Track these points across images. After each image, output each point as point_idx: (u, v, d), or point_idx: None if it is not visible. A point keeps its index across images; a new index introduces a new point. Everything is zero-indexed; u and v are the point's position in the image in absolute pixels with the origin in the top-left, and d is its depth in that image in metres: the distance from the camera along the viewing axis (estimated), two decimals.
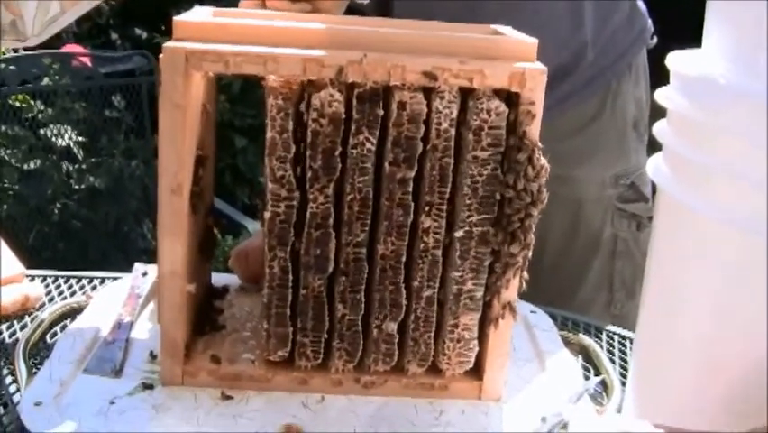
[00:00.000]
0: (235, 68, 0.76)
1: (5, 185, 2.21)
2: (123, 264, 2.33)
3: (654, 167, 0.63)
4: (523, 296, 0.84)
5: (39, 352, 0.92)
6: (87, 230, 2.26)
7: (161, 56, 0.76)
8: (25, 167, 2.21)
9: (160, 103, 0.78)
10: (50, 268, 1.17)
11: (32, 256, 1.97)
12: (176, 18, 0.78)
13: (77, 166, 2.28)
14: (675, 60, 0.62)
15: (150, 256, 2.43)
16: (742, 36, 0.59)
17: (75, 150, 2.27)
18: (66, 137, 2.29)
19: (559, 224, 1.33)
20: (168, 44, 0.76)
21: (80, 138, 2.29)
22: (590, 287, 1.36)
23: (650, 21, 1.36)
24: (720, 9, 0.62)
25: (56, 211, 2.21)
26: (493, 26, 0.88)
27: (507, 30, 0.87)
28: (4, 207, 2.20)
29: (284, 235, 0.80)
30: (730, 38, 0.60)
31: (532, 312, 1.05)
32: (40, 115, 2.31)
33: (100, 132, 2.37)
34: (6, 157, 2.22)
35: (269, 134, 0.77)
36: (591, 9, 1.28)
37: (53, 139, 2.28)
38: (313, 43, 0.77)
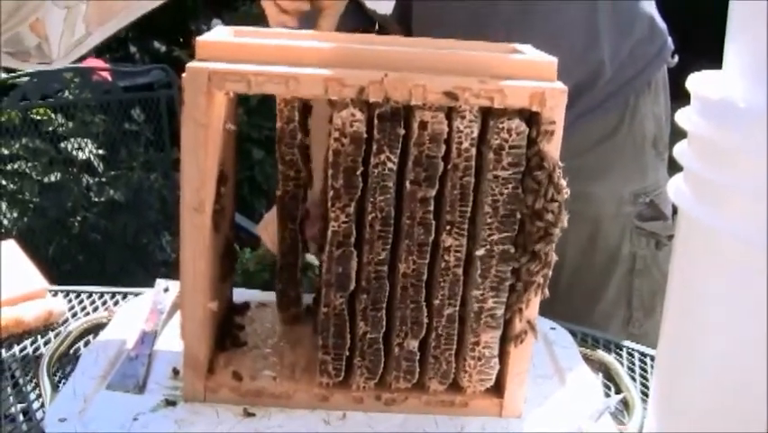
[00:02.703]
0: (257, 87, 0.76)
1: (26, 197, 2.23)
2: (142, 276, 2.36)
3: (675, 188, 0.63)
4: (541, 312, 0.85)
5: (62, 367, 0.93)
6: (107, 242, 2.28)
7: (184, 75, 0.77)
8: (45, 180, 2.23)
9: (183, 121, 0.78)
10: (69, 280, 1.18)
11: (52, 268, 1.98)
12: (199, 38, 0.79)
13: (96, 179, 2.29)
14: (695, 82, 0.62)
15: (169, 268, 2.43)
16: (762, 56, 0.59)
17: (95, 163, 2.29)
18: (86, 150, 2.31)
19: (577, 240, 1.33)
20: (190, 64, 0.77)
21: (100, 151, 2.31)
22: (608, 304, 1.36)
23: (670, 39, 1.36)
24: (740, 28, 0.62)
25: (76, 224, 2.22)
26: (512, 45, 0.89)
27: (527, 48, 0.87)
28: (25, 219, 2.21)
29: (293, 210, 0.90)
30: (750, 58, 0.60)
31: (552, 329, 1.05)
32: (60, 129, 2.33)
33: (119, 145, 2.39)
34: (27, 170, 2.24)
35: (278, 125, 0.86)
36: (609, 25, 1.27)
37: (73, 152, 2.30)
38: (334, 63, 0.77)
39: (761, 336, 0.58)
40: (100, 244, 2.28)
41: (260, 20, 3.47)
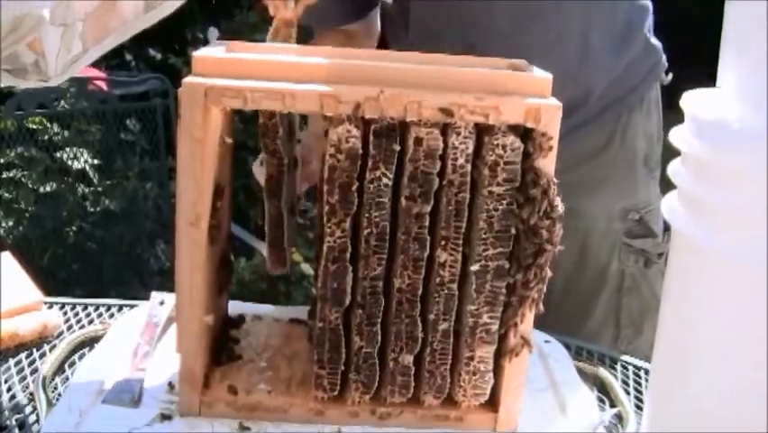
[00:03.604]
0: (253, 103, 0.77)
1: (21, 206, 2.23)
2: (137, 285, 2.36)
3: (669, 207, 0.63)
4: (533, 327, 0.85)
5: (58, 381, 0.93)
6: (102, 251, 2.28)
7: (180, 89, 0.77)
8: (41, 189, 2.23)
9: (179, 136, 0.79)
10: (64, 288, 1.18)
11: (47, 277, 1.98)
12: (195, 54, 0.80)
13: (92, 189, 2.30)
14: (690, 102, 0.62)
15: (164, 277, 2.43)
16: (756, 77, 0.59)
17: (90, 173, 2.29)
18: (81, 160, 2.31)
19: (567, 256, 1.33)
20: (187, 79, 0.77)
21: (95, 161, 2.31)
22: (597, 321, 1.36)
23: (664, 56, 1.36)
24: (733, 49, 0.63)
25: (71, 233, 2.22)
26: (508, 60, 0.89)
27: (522, 63, 0.88)
28: (20, 228, 2.21)
29: (277, 190, 0.94)
30: (744, 78, 0.61)
31: (546, 342, 1.05)
32: (56, 138, 2.33)
33: (115, 154, 2.39)
34: (23, 179, 2.24)
35: (260, 121, 0.89)
36: (603, 42, 1.28)
37: (69, 162, 2.30)
38: (330, 79, 0.78)
39: (754, 354, 0.58)
40: (95, 252, 2.28)
41: (256, 28, 3.48)
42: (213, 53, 0.81)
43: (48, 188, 2.23)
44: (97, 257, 2.27)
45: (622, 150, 1.35)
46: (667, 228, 1.38)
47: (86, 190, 2.29)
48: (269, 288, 2.35)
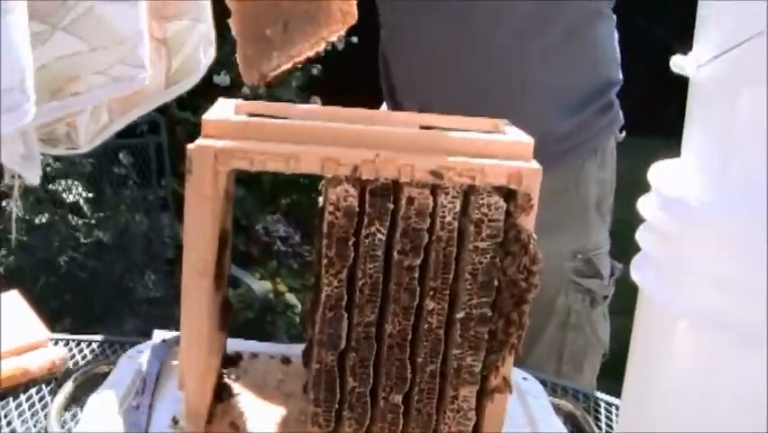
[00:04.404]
0: (259, 165, 0.84)
1: (14, 236, 2.28)
2: (127, 314, 2.42)
3: (635, 266, 0.71)
4: None
5: (68, 416, 0.99)
6: (93, 281, 2.34)
7: (191, 150, 0.84)
8: (36, 220, 2.29)
9: (188, 193, 0.85)
10: (56, 317, 1.24)
11: (39, 306, 2.03)
12: (204, 117, 0.86)
13: (84, 220, 2.36)
14: (655, 175, 0.70)
15: (152, 305, 2.47)
16: (716, 152, 0.67)
17: (83, 205, 2.35)
18: (74, 192, 2.37)
19: None
20: (198, 142, 0.84)
21: (88, 194, 2.37)
22: (541, 355, 1.44)
23: (621, 114, 1.46)
24: (696, 122, 0.70)
25: (62, 263, 2.28)
26: (494, 120, 0.97)
27: (506, 125, 0.95)
28: (12, 257, 2.27)
29: None
30: (705, 152, 0.69)
31: (524, 379, 1.12)
32: (48, 169, 2.39)
33: (107, 186, 2.45)
34: (15, 209, 2.29)
35: None
36: (567, 99, 1.38)
37: (62, 193, 2.36)
38: (330, 141, 0.85)
39: (713, 409, 0.65)
40: (86, 282, 2.34)
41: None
42: (221, 116, 0.88)
43: (42, 220, 2.29)
44: (88, 287, 2.33)
45: (577, 195, 1.45)
46: (613, 273, 1.47)
47: (79, 222, 2.35)
48: (256, 316, 2.41)
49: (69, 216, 2.33)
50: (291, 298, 2.55)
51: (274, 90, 3.41)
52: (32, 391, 1.05)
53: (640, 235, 0.71)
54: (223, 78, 3.38)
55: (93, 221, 2.34)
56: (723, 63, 0.64)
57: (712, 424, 0.64)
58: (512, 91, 1.40)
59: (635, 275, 0.70)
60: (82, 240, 2.30)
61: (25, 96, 0.72)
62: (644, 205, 0.70)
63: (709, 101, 0.68)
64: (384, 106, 1.62)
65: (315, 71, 3.86)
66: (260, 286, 2.51)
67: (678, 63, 0.69)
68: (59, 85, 0.80)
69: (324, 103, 3.80)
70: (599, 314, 1.46)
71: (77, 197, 2.34)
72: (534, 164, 0.85)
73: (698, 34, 0.69)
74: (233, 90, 3.37)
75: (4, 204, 2.35)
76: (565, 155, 1.43)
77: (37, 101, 0.76)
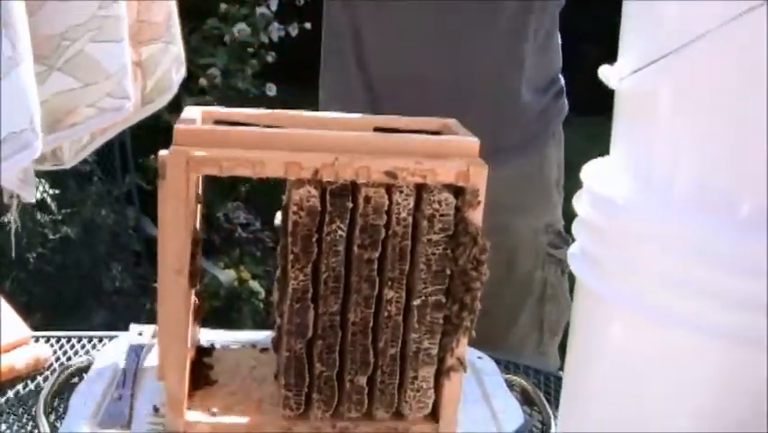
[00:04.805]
0: (228, 170, 0.91)
1: None
2: (95, 305, 2.47)
3: (571, 256, 0.79)
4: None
5: (54, 409, 1.06)
6: (61, 275, 2.39)
7: (164, 157, 0.91)
8: (3, 219, 2.32)
9: (162, 198, 0.92)
10: (26, 311, 1.29)
11: (11, 301, 2.09)
12: (176, 126, 0.93)
13: (51, 217, 2.41)
14: (587, 173, 0.78)
15: (119, 295, 2.52)
16: (642, 152, 0.75)
17: (49, 202, 2.40)
18: (40, 189, 2.41)
19: (494, 270, 1.50)
20: (171, 150, 0.91)
21: (54, 190, 2.42)
22: (523, 328, 1.54)
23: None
24: (623, 122, 0.79)
25: (31, 260, 2.33)
26: (444, 120, 1.04)
27: (453, 122, 1.03)
28: None
29: None
30: (630, 157, 0.77)
31: (479, 358, 1.21)
32: None
33: (71, 182, 2.50)
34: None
35: None
36: (529, 92, 1.47)
37: None
38: (292, 147, 0.92)
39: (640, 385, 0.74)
40: (55, 276, 2.39)
41: (198, 52, 3.55)
42: (190, 125, 0.95)
43: (7, 218, 2.32)
44: (57, 280, 2.38)
45: (542, 176, 1.55)
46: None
47: (46, 219, 2.40)
48: (222, 305, 2.48)
49: (36, 214, 2.38)
50: (255, 285, 2.62)
51: (230, 80, 3.46)
52: (19, 386, 1.11)
53: (575, 228, 0.79)
54: None
55: (59, 217, 2.39)
56: (643, 75, 0.73)
57: (644, 407, 0.73)
58: (507, 77, 1.49)
59: (570, 262, 0.78)
60: (50, 236, 2.36)
61: (35, 135, 0.80)
62: (577, 200, 0.78)
63: (632, 108, 0.76)
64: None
65: (269, 58, 3.90)
66: (225, 276, 2.58)
67: (604, 74, 0.77)
68: (57, 118, 0.87)
69: (279, 89, 3.85)
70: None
71: (43, 194, 2.38)
72: (480, 162, 0.93)
73: (621, 47, 0.77)
74: (190, 80, 3.42)
75: None
76: (535, 139, 1.53)
77: None
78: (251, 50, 3.69)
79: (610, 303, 0.74)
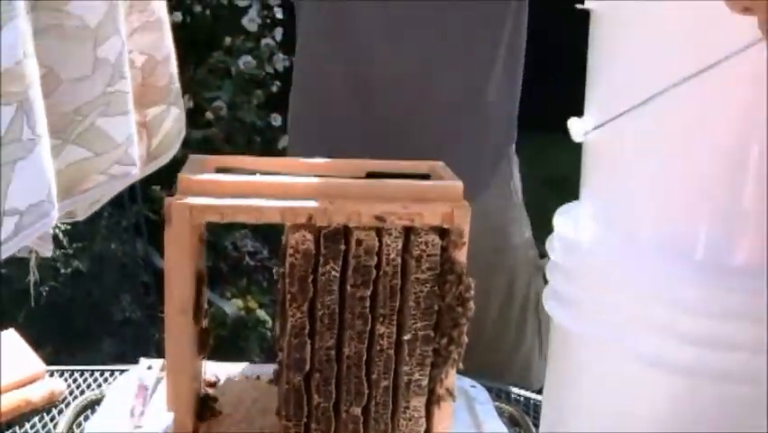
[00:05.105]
0: (229, 217, 0.97)
1: None
2: (104, 336, 2.54)
3: (545, 296, 0.86)
4: (469, 366, 1.06)
5: None
6: (72, 307, 2.46)
7: (169, 205, 0.97)
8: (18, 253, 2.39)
9: (168, 242, 0.99)
10: (38, 342, 1.36)
11: (24, 334, 2.16)
12: (180, 175, 1.00)
13: (62, 251, 2.48)
14: (558, 218, 0.85)
15: (128, 326, 2.58)
16: (608, 199, 0.82)
17: (61, 237, 2.47)
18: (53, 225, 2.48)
19: (498, 292, 1.57)
20: (175, 198, 0.97)
21: (66, 225, 2.49)
22: (530, 340, 1.60)
23: None
24: (589, 181, 0.85)
25: (43, 293, 2.40)
26: (429, 163, 1.11)
27: (440, 165, 1.10)
28: None
29: None
30: (596, 207, 0.84)
31: (472, 387, 1.27)
32: None
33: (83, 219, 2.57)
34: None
35: None
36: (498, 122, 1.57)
37: None
38: (289, 194, 0.99)
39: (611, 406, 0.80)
40: (66, 309, 2.46)
41: (203, 85, 3.61)
42: (194, 174, 1.01)
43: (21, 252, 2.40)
44: (67, 312, 2.45)
45: (515, 193, 1.63)
46: None
47: (58, 253, 2.47)
48: (229, 334, 2.55)
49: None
50: (262, 314, 2.69)
51: (236, 111, 3.53)
52: (35, 419, 1.18)
53: (548, 271, 0.85)
54: (186, 102, 3.50)
55: (71, 251, 2.46)
56: (605, 129, 0.79)
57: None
58: (481, 106, 1.57)
59: (545, 305, 0.85)
60: (62, 270, 2.43)
61: (51, 205, 0.88)
62: (549, 245, 0.85)
63: (597, 158, 0.83)
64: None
65: (274, 89, 3.97)
66: (230, 306, 2.64)
67: (571, 127, 0.84)
68: (71, 185, 0.96)
69: (284, 119, 3.91)
70: None
71: (55, 230, 2.45)
72: (464, 204, 1.00)
73: (586, 102, 0.84)
74: (197, 113, 3.50)
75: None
76: (510, 162, 1.61)
77: None
78: (256, 81, 3.77)
79: (580, 339, 0.80)
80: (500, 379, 1.46)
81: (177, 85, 1.10)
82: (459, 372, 1.04)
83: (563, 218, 0.84)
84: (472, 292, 1.01)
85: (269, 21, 3.90)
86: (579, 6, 0.81)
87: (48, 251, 1.06)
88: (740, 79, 0.73)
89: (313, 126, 1.70)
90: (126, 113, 0.96)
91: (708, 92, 0.73)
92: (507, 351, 1.59)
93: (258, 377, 1.24)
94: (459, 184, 1.02)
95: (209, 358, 1.23)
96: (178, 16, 3.71)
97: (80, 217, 1.06)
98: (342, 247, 0.98)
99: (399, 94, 1.54)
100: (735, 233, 0.75)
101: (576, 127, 0.82)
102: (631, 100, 0.76)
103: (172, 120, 1.09)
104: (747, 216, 0.75)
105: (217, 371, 1.24)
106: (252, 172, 1.06)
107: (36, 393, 1.20)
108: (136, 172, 1.01)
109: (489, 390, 1.27)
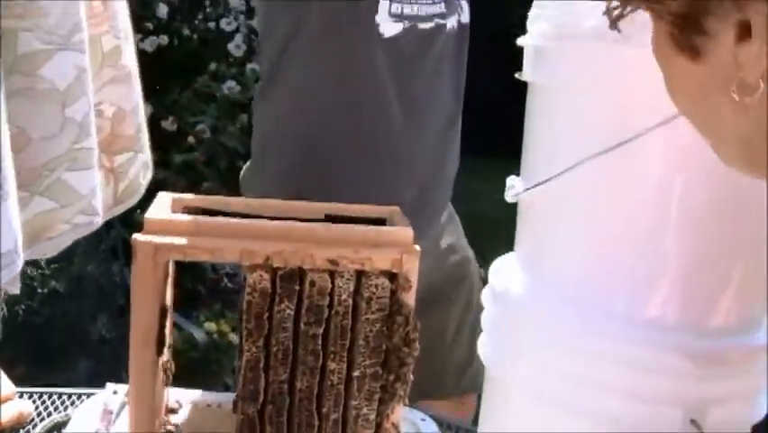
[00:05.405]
0: (191, 256, 1.04)
1: None
2: (80, 355, 2.59)
3: (480, 345, 0.92)
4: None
5: None
6: (48, 327, 2.51)
7: (135, 243, 1.04)
8: None
9: (134, 278, 1.05)
10: (12, 362, 1.41)
11: None
12: (146, 216, 1.06)
13: (40, 271, 2.53)
14: (493, 270, 0.92)
15: (104, 345, 2.62)
16: (535, 251, 0.89)
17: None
18: None
19: (458, 302, 1.66)
20: (142, 237, 1.04)
21: None
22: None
23: None
24: (524, 218, 0.92)
25: (20, 312, 2.45)
26: (388, 208, 1.18)
27: (395, 210, 1.16)
28: None
29: None
30: (527, 252, 0.90)
31: (422, 420, 1.33)
32: None
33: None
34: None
35: None
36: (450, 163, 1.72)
37: None
38: (248, 235, 1.05)
39: None
40: (42, 328, 2.51)
41: (187, 108, 3.67)
42: (159, 215, 1.08)
43: None
44: (44, 332, 2.50)
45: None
46: None
47: (35, 273, 2.52)
48: (201, 357, 2.60)
49: (26, 269, 2.49)
50: (234, 338, 2.74)
51: (219, 136, 3.60)
52: None
53: (483, 319, 0.92)
54: (170, 125, 3.56)
55: (48, 271, 2.51)
56: (536, 192, 0.86)
57: None
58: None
59: (479, 352, 0.92)
60: (39, 290, 2.48)
61: (18, 254, 0.95)
62: (484, 295, 0.92)
63: (528, 215, 0.90)
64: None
65: None
66: (200, 333, 2.69)
67: (507, 186, 0.91)
68: (37, 233, 1.02)
69: None
70: None
71: None
72: (414, 249, 1.06)
73: (521, 165, 0.91)
74: (180, 137, 3.57)
75: None
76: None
77: None
78: (239, 105, 3.84)
79: (509, 384, 0.87)
80: (456, 386, 1.55)
81: (144, 133, 1.17)
82: (407, 404, 1.10)
83: (497, 269, 0.91)
84: (417, 334, 1.07)
85: (254, 46, 3.97)
86: (517, 76, 0.88)
87: (16, 289, 1.13)
88: (657, 151, 0.80)
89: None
90: (91, 167, 1.03)
91: (627, 163, 0.80)
92: (463, 357, 1.66)
93: (219, 405, 1.29)
94: (409, 230, 1.09)
95: (178, 379, 1.29)
96: (165, 39, 3.79)
97: (49, 255, 1.12)
98: (297, 287, 1.05)
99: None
100: (649, 290, 0.82)
101: (510, 187, 0.89)
102: (560, 165, 0.82)
103: (138, 166, 1.16)
104: (662, 273, 0.81)
105: (180, 396, 1.30)
106: (217, 213, 1.12)
107: (6, 415, 1.25)
108: (99, 221, 1.08)
109: (440, 423, 1.33)
